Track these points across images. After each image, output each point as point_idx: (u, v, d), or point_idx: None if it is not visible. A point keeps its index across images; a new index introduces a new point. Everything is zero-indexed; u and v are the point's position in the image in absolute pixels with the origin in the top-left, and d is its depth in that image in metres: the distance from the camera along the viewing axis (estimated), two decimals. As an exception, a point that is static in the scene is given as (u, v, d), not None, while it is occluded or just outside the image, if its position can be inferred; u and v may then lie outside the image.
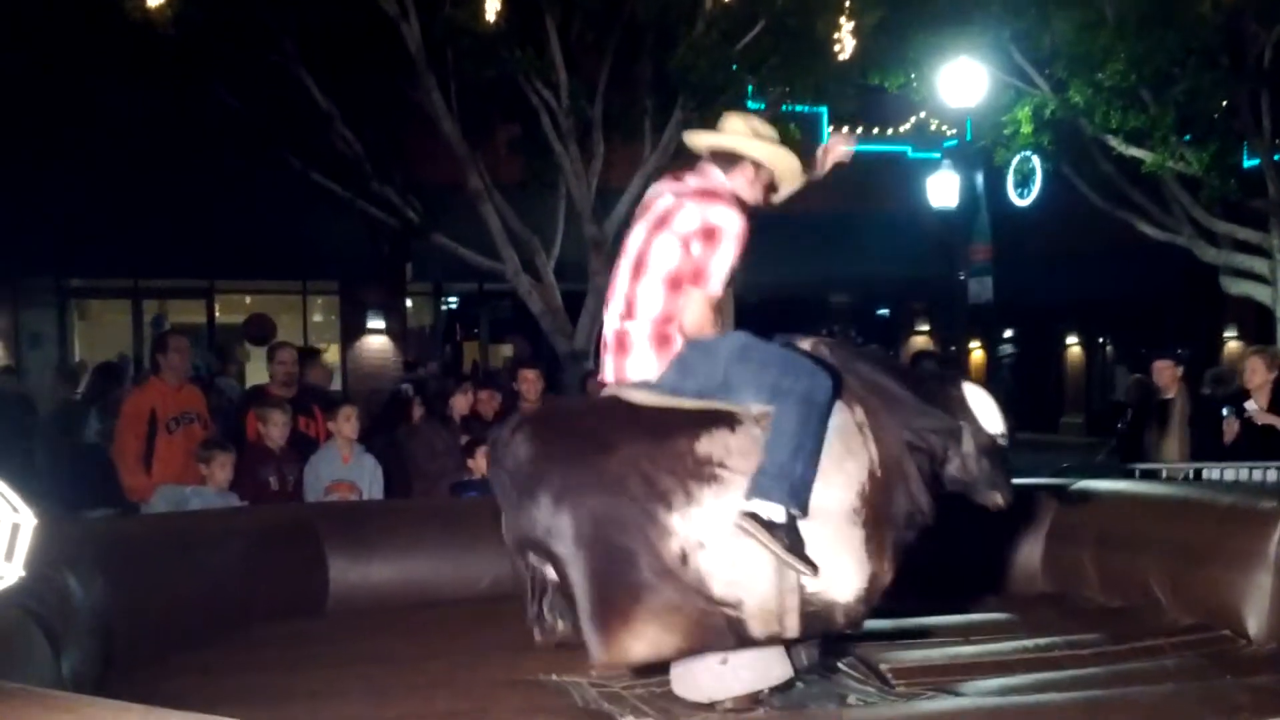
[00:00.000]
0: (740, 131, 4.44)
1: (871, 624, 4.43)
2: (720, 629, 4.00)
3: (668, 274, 4.21)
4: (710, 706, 4.15)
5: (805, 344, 4.37)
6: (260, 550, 5.73)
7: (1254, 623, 5.07)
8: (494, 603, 5.84)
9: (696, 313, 4.20)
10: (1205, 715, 3.60)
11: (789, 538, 3.97)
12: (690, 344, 4.21)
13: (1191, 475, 8.13)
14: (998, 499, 4.44)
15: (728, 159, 4.40)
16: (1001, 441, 4.42)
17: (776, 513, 3.96)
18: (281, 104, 12.92)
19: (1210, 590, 5.29)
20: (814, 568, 4.00)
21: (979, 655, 4.87)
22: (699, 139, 4.54)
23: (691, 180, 4.38)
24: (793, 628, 4.07)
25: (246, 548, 5.68)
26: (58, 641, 3.82)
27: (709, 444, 4.08)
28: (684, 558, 3.97)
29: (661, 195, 4.38)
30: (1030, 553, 6.45)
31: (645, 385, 4.25)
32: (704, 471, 4.04)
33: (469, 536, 6.26)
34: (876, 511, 4.19)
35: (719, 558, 3.99)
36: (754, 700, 4.17)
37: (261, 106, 12.93)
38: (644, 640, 3.96)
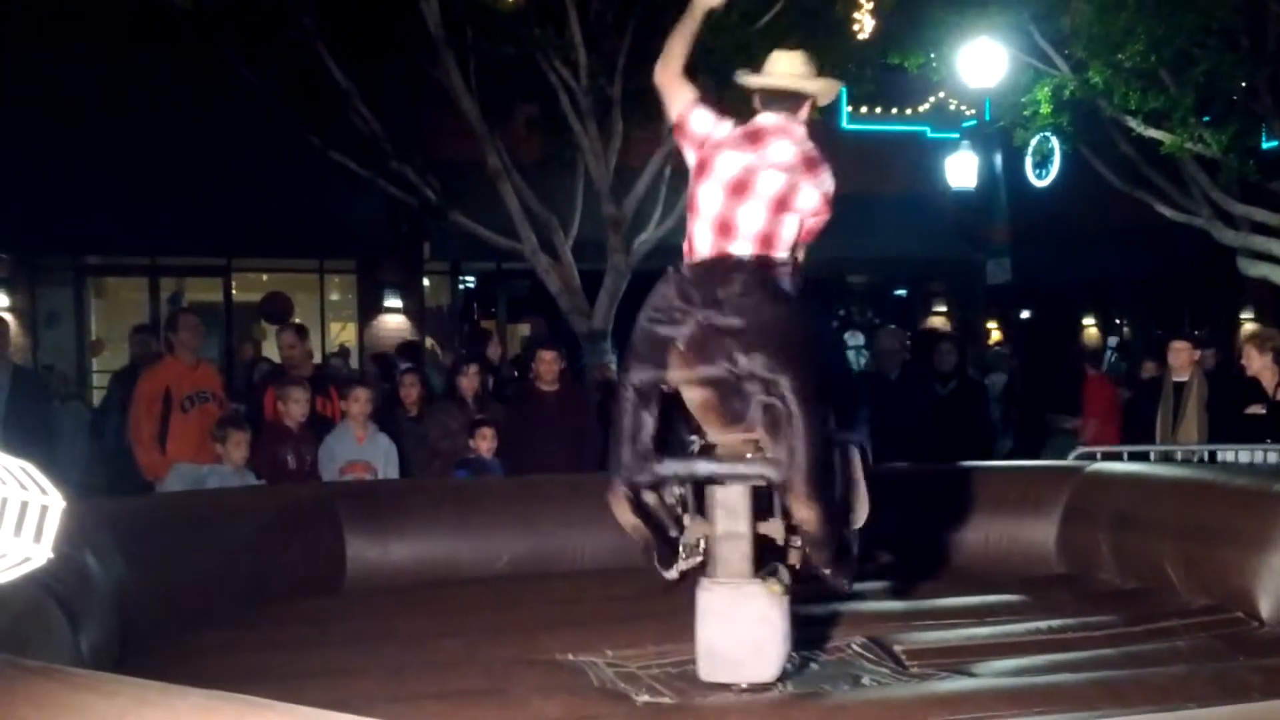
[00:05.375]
0: (794, 70, 4.54)
1: (887, 605, 4.45)
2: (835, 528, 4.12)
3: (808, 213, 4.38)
4: (728, 687, 4.17)
5: None
6: (278, 529, 5.77)
7: (1267, 604, 5.08)
8: (511, 582, 5.89)
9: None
10: (1218, 697, 3.61)
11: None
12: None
13: (1206, 457, 8.15)
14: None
15: (789, 98, 4.49)
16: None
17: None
18: (300, 82, 12.92)
19: (1223, 572, 5.30)
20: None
21: (993, 637, 4.90)
22: (758, 80, 4.58)
23: (782, 141, 4.39)
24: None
25: (264, 526, 5.72)
26: (77, 620, 3.85)
27: None
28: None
29: (773, 141, 4.41)
30: (1045, 534, 6.47)
31: None
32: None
33: (486, 515, 6.30)
34: None
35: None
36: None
37: (280, 84, 12.93)
38: (816, 506, 3.98)
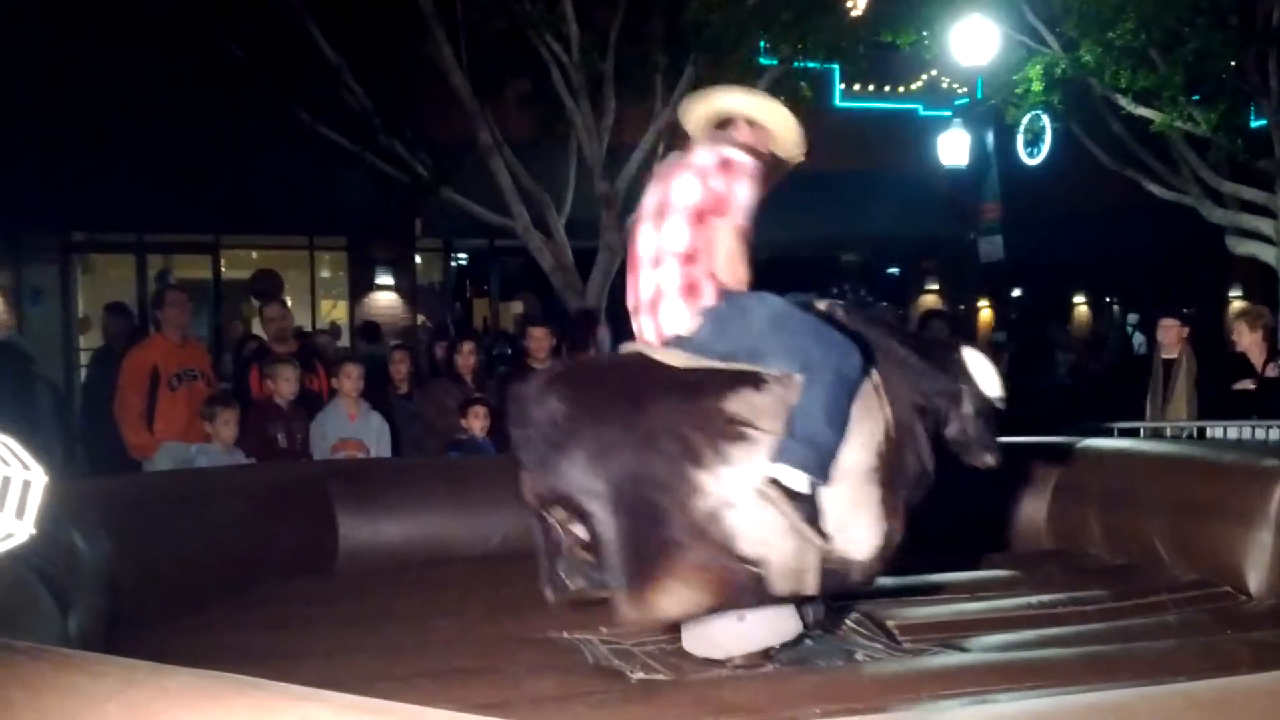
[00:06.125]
0: (728, 95, 4.51)
1: (878, 581, 4.46)
2: (746, 586, 4.04)
3: (690, 209, 4.20)
4: (721, 663, 4.19)
5: (820, 305, 4.42)
6: (269, 508, 5.75)
7: (1254, 579, 5.10)
8: (505, 560, 5.87)
9: (724, 245, 4.19)
10: (1206, 670, 3.62)
11: (806, 506, 3.99)
12: (726, 303, 4.20)
13: (1195, 434, 8.18)
14: (989, 459, 4.56)
15: (723, 125, 4.43)
16: (998, 405, 4.53)
17: (799, 481, 3.98)
18: (289, 56, 12.84)
19: (1212, 547, 5.32)
20: (825, 536, 4.04)
21: (984, 611, 4.91)
22: (692, 111, 4.52)
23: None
24: (812, 584, 4.11)
25: (255, 505, 5.70)
26: (65, 600, 3.84)
27: (737, 403, 4.09)
28: (714, 516, 3.99)
29: (670, 163, 4.44)
30: (1036, 510, 6.49)
31: (676, 342, 4.25)
32: (733, 430, 4.04)
33: (479, 494, 6.29)
34: (891, 471, 4.22)
35: (747, 517, 4.01)
36: (764, 656, 4.22)
37: (268, 59, 12.85)
38: (673, 597, 4.00)
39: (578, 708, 3.61)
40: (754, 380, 4.15)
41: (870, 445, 4.20)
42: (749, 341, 4.18)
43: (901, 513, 4.26)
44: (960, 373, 4.51)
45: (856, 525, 4.15)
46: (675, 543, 3.97)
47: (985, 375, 4.53)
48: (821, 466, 4.03)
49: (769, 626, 4.24)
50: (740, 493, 4.01)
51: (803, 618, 4.39)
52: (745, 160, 4.20)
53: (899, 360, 4.40)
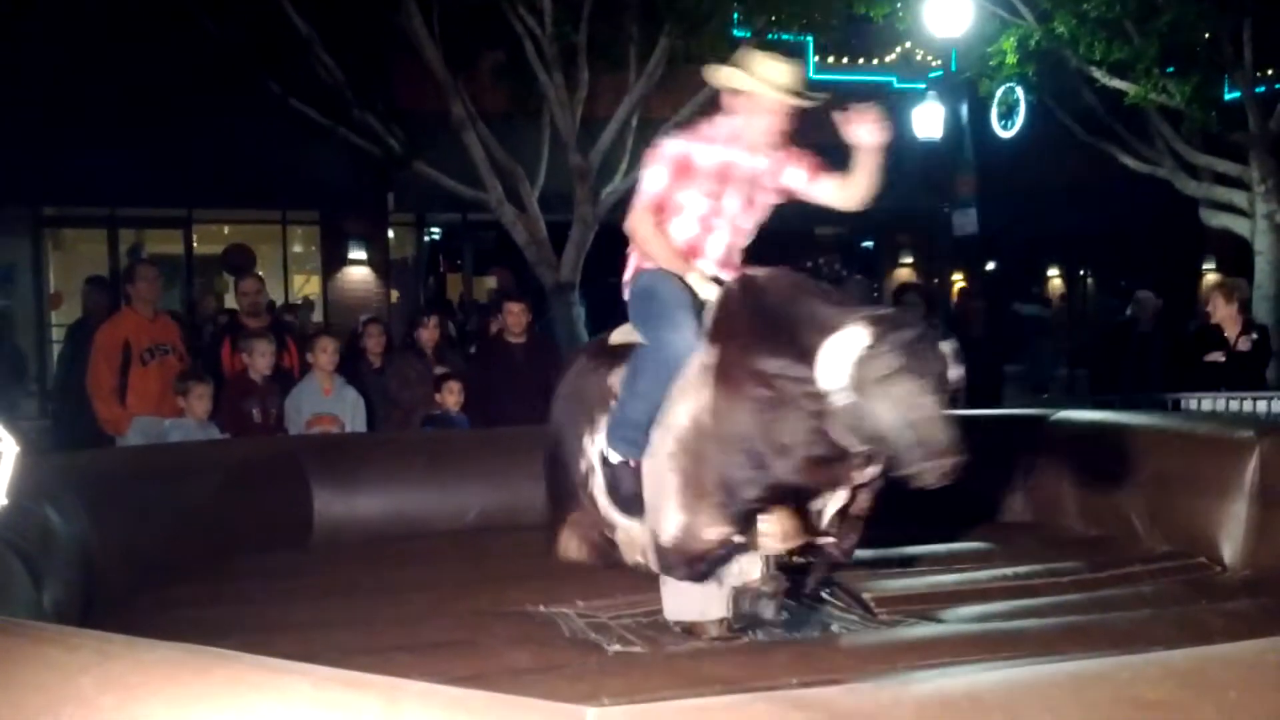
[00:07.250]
0: (727, 69, 4.42)
1: (855, 553, 4.45)
2: (606, 548, 4.50)
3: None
4: (697, 635, 4.19)
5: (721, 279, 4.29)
6: (244, 483, 5.73)
7: (1228, 549, 5.14)
8: (480, 534, 5.88)
9: (631, 217, 4.41)
10: (1181, 640, 3.65)
11: (621, 479, 4.21)
12: (633, 275, 4.46)
13: (1170, 405, 8.23)
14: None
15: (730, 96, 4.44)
16: (839, 399, 3.40)
17: (611, 452, 4.21)
18: (260, 28, 12.72)
19: (1186, 518, 5.35)
20: (620, 511, 4.31)
21: (960, 583, 4.93)
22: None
23: None
24: (653, 561, 4.21)
25: (230, 480, 5.67)
26: (39, 575, 3.81)
27: (616, 376, 4.35)
28: (586, 478, 4.42)
29: None
30: (1010, 482, 6.50)
31: None
32: (608, 402, 4.33)
33: (455, 468, 6.28)
34: (696, 460, 3.89)
35: (602, 483, 4.37)
36: (733, 629, 4.22)
37: (239, 31, 12.72)
38: (571, 545, 4.58)
39: (555, 680, 3.60)
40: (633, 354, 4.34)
41: (675, 430, 3.96)
42: (632, 314, 4.41)
43: (713, 510, 3.87)
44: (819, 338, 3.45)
45: (660, 509, 4.03)
46: (569, 496, 4.50)
47: (832, 359, 3.37)
48: (624, 439, 4.15)
49: (675, 599, 4.24)
50: (597, 460, 4.35)
51: (741, 606, 4.21)
52: (653, 151, 4.42)
53: (770, 337, 3.74)
